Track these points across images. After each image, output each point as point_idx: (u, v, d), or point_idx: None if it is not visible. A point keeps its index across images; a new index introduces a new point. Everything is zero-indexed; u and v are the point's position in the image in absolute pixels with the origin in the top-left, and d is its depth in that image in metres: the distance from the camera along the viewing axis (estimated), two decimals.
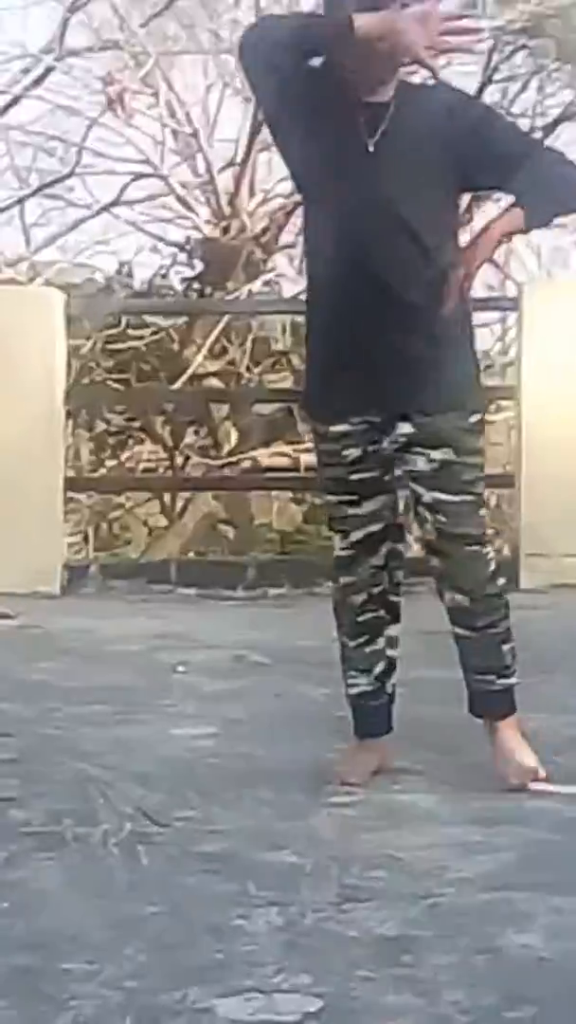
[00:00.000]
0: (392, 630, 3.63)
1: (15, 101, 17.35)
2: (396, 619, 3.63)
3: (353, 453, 3.46)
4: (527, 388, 7.87)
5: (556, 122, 17.71)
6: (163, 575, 8.12)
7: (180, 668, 5.19)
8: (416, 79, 3.59)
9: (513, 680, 3.56)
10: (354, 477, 3.49)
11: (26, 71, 17.42)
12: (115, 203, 16.31)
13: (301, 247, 3.64)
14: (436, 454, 3.43)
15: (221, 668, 5.14)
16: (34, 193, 17.58)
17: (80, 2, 17.11)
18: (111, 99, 15.58)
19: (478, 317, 13.99)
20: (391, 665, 3.62)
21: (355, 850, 3.01)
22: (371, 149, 3.32)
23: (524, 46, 16.89)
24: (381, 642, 3.61)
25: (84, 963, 2.40)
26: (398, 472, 3.53)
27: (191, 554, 11.71)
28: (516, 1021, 2.18)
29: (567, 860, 2.96)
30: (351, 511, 3.54)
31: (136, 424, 13.42)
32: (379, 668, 3.60)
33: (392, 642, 3.63)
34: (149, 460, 13.60)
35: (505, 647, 3.56)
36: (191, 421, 13.67)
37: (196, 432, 13.85)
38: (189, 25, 16.31)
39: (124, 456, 13.51)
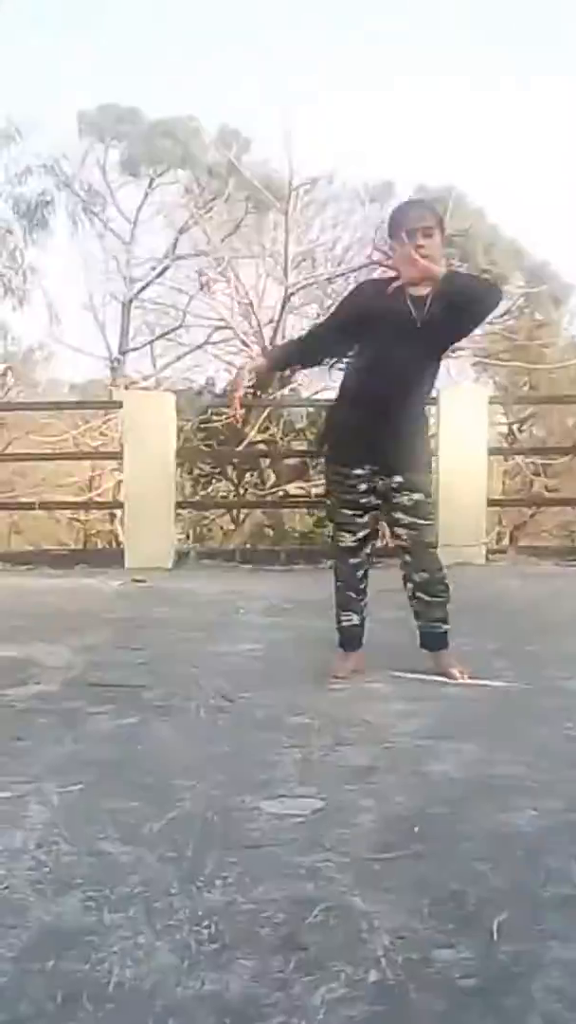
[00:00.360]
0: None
1: (147, 285, 17.51)
2: (369, 581, 3.64)
3: (362, 487, 3.46)
4: (443, 450, 7.83)
5: None
6: (231, 557, 8.11)
7: (241, 610, 5.18)
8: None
9: (448, 627, 3.56)
10: (362, 500, 3.49)
11: (154, 268, 17.57)
12: (204, 343, 16.41)
13: (344, 371, 3.63)
14: (415, 495, 3.44)
15: (265, 610, 5.13)
16: (158, 338, 17.74)
17: (185, 228, 17.26)
18: (202, 284, 15.67)
19: None
20: (367, 609, 3.63)
21: (343, 715, 3.00)
22: (419, 325, 3.31)
23: None
24: (367, 596, 3.61)
25: (185, 780, 2.40)
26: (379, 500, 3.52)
27: (248, 545, 11.69)
28: (438, 815, 2.17)
29: (463, 722, 2.95)
30: (358, 520, 3.52)
31: (217, 470, 13.46)
32: (364, 611, 3.61)
33: (368, 596, 3.64)
34: (224, 491, 13.64)
35: (447, 607, 3.55)
36: (248, 468, 13.69)
37: (251, 475, 13.87)
38: (248, 241, 16.39)
39: (209, 489, 13.55)
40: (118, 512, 11.00)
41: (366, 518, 3.53)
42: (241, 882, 1.82)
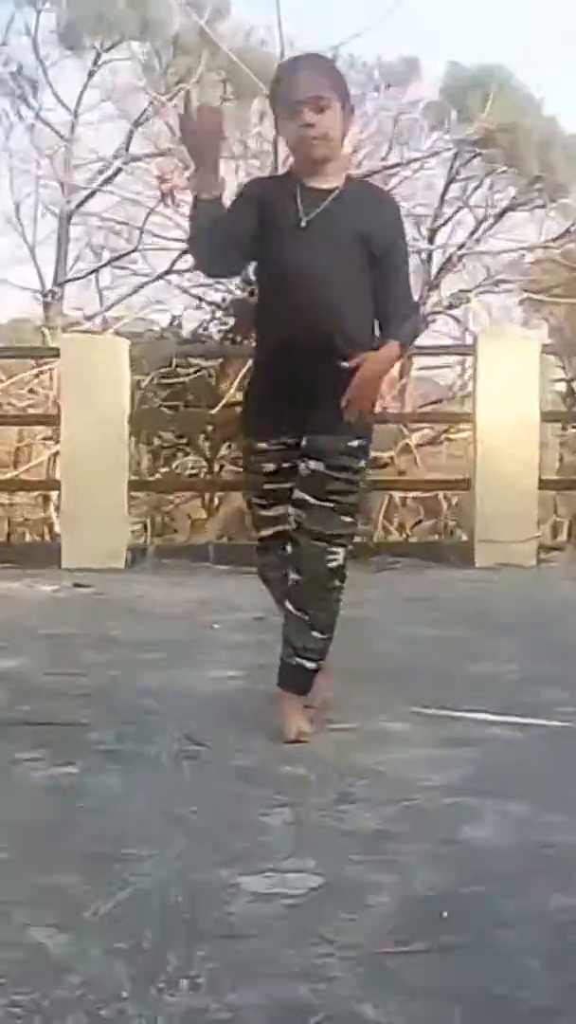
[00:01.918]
0: None
1: (92, 195, 17.54)
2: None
3: (269, 466, 3.34)
4: (480, 414, 7.90)
5: (503, 212, 17.79)
6: (203, 555, 8.14)
7: (215, 625, 5.19)
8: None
9: (311, 665, 3.31)
10: (267, 486, 3.37)
11: (100, 172, 17.59)
12: (168, 272, 16.40)
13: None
14: (311, 463, 3.22)
15: (245, 625, 5.14)
16: (105, 265, 17.77)
17: (142, 119, 17.24)
18: (164, 193, 15.66)
19: (445, 359, 13.97)
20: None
21: (348, 764, 3.01)
22: (303, 224, 3.21)
23: (479, 153, 16.98)
24: (286, 618, 3.34)
25: (142, 850, 2.40)
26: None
27: (223, 539, 11.68)
28: (474, 896, 2.18)
29: (510, 773, 2.96)
30: (263, 512, 3.42)
31: (183, 441, 13.45)
32: (288, 638, 3.33)
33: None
34: (193, 468, 13.62)
35: (315, 633, 3.28)
36: (225, 438, 13.67)
37: (229, 446, 13.85)
38: (225, 136, 16.38)
39: (174, 465, 13.53)
40: (53, 495, 11.00)
41: (273, 511, 3.39)
42: (213, 982, 1.82)
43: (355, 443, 3.25)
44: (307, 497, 3.23)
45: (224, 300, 15.34)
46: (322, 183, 3.25)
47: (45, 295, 17.95)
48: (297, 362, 3.22)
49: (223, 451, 13.76)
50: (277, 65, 3.33)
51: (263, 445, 3.34)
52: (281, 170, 14.66)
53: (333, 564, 3.24)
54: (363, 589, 4.79)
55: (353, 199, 3.27)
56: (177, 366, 13.20)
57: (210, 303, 15.94)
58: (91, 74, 19.11)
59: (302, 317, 3.21)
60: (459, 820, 2.59)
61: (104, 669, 4.22)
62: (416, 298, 3.38)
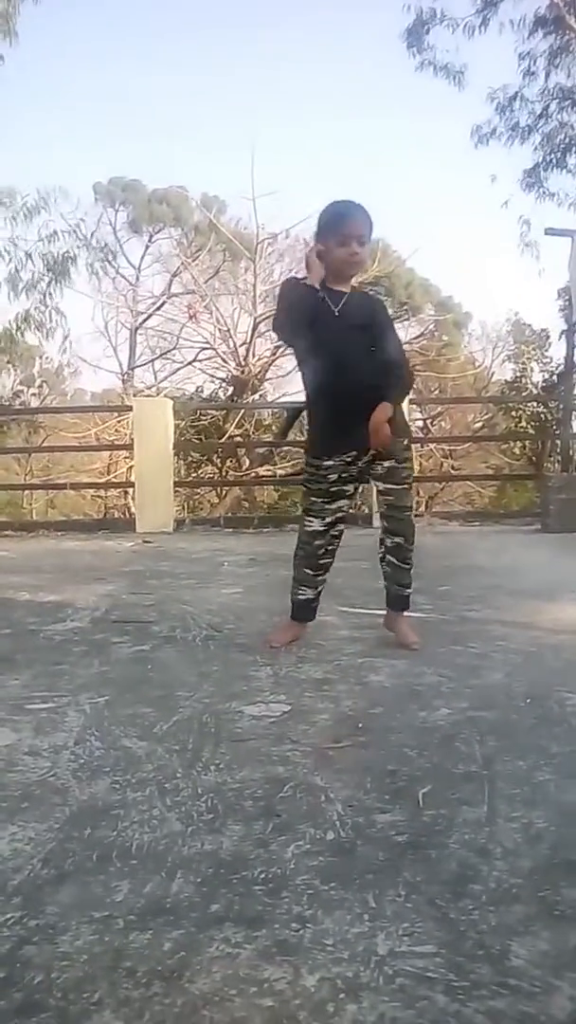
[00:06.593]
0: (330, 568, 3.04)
1: (148, 317, 17.35)
2: (333, 560, 2.99)
3: (332, 476, 2.85)
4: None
5: None
6: (217, 523, 8.09)
7: (226, 563, 5.17)
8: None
9: (410, 591, 3.00)
10: (332, 489, 2.85)
11: (154, 303, 17.40)
12: (193, 360, 16.32)
13: (301, 375, 2.95)
14: (386, 463, 2.80)
15: (244, 563, 5.12)
16: (157, 358, 17.66)
17: (177, 272, 17.13)
18: (191, 315, 15.53)
19: None
20: (325, 585, 3.02)
21: (303, 640, 2.99)
22: (337, 313, 2.78)
23: None
24: (326, 574, 3.02)
25: (185, 690, 2.39)
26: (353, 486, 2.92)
27: (229, 514, 11.65)
28: (376, 714, 2.18)
29: (395, 644, 2.93)
30: (327, 507, 2.88)
31: (204, 457, 13.37)
32: (321, 588, 3.03)
33: (327, 574, 3.05)
34: (211, 474, 13.55)
35: (411, 573, 2.97)
36: (228, 456, 13.62)
37: (230, 460, 13.80)
38: (225, 282, 16.30)
39: (199, 472, 13.46)
40: (130, 490, 10.93)
41: (334, 505, 2.89)
42: (229, 767, 1.82)
43: (404, 443, 2.85)
44: (392, 486, 2.85)
45: (226, 376, 15.26)
46: (340, 288, 2.78)
47: (123, 375, 17.80)
48: (352, 403, 2.73)
49: (227, 463, 13.72)
50: (331, 202, 2.80)
51: (329, 462, 2.85)
52: (257, 299, 14.63)
53: (413, 525, 2.97)
54: None
55: (357, 299, 2.83)
56: (200, 415, 13.14)
57: (218, 378, 15.86)
58: (147, 247, 19.05)
59: (348, 373, 2.75)
60: (367, 671, 2.58)
61: (161, 590, 4.19)
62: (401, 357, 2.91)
